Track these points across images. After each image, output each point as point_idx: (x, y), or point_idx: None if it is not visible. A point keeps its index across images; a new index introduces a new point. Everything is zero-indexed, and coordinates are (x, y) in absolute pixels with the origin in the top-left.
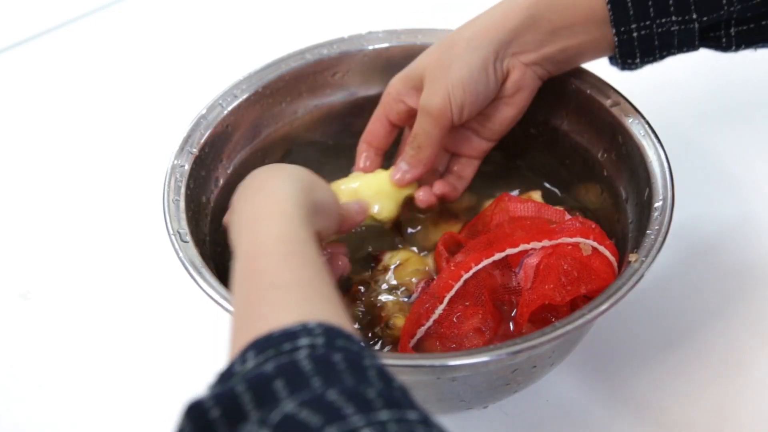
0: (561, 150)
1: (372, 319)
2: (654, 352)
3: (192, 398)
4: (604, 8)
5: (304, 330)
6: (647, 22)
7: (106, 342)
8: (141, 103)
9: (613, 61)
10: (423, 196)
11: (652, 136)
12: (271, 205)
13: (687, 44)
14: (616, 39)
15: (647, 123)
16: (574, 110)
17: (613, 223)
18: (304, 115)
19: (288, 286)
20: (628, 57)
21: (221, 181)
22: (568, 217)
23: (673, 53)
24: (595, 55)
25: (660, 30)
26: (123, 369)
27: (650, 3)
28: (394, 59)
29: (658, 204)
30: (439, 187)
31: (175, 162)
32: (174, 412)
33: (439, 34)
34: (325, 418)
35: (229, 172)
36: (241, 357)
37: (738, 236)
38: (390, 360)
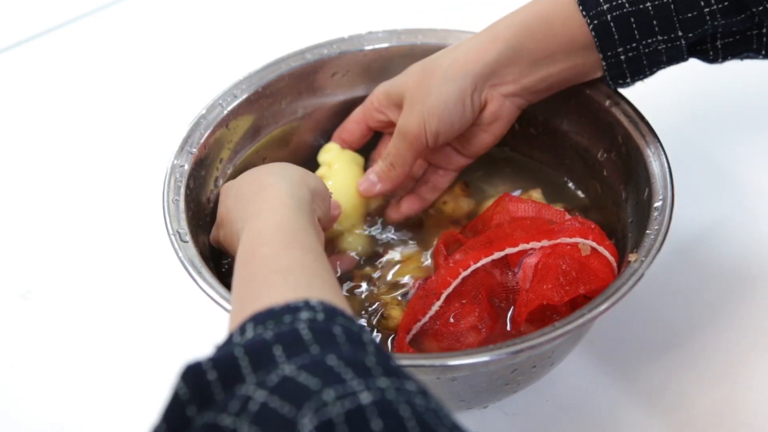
0: (561, 150)
1: (369, 312)
2: (654, 351)
3: (189, 360)
4: (584, 34)
5: (306, 306)
6: (633, 44)
7: (106, 342)
8: (141, 103)
9: (603, 81)
10: (393, 215)
11: (652, 135)
12: (269, 199)
13: (676, 59)
14: (604, 63)
15: (647, 123)
16: (573, 110)
17: (613, 223)
18: (304, 115)
19: (289, 270)
20: (618, 78)
21: (221, 181)
22: (568, 217)
23: (663, 67)
24: (578, 79)
25: (647, 50)
26: (123, 369)
27: (634, 25)
28: (394, 59)
29: (657, 204)
30: (407, 205)
31: (175, 162)
32: None
33: (439, 34)
34: (324, 380)
35: (229, 172)
36: (240, 328)
37: (738, 236)
38: None
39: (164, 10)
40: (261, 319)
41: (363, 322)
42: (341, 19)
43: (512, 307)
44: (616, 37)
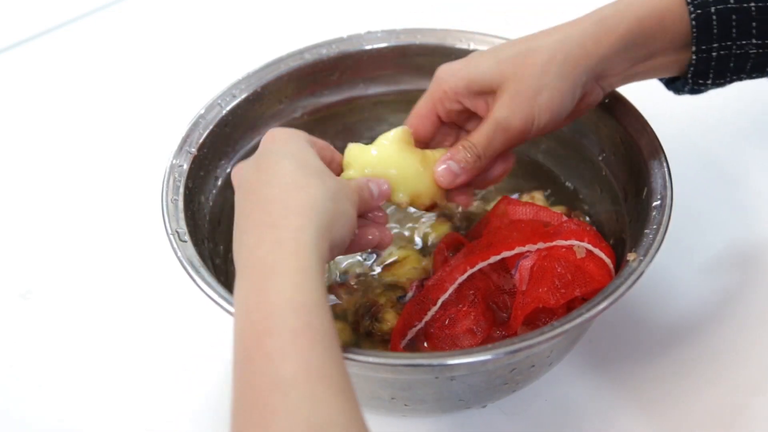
0: (560, 150)
1: (363, 314)
2: (652, 351)
3: None
4: (686, 33)
5: None
6: (728, 43)
7: (106, 342)
8: (140, 103)
9: (678, 84)
10: (464, 200)
11: (651, 135)
12: (285, 255)
13: (759, 70)
14: (695, 58)
15: (646, 122)
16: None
17: (612, 223)
18: (303, 115)
19: (293, 383)
20: (700, 77)
21: (220, 181)
22: (565, 219)
23: (743, 78)
24: (661, 74)
25: (738, 52)
26: (122, 369)
27: (734, 24)
28: (393, 59)
29: (656, 203)
30: (460, 199)
31: (174, 161)
32: (173, 411)
33: (439, 34)
34: None
35: (227, 171)
36: None
37: (737, 236)
38: (390, 359)
39: (164, 10)
40: None
41: (356, 327)
42: (341, 19)
43: (509, 310)
44: (714, 31)
